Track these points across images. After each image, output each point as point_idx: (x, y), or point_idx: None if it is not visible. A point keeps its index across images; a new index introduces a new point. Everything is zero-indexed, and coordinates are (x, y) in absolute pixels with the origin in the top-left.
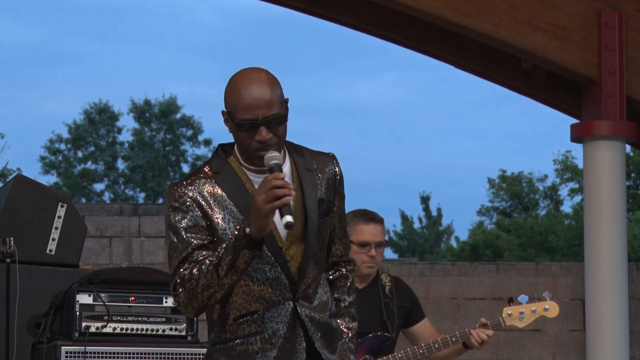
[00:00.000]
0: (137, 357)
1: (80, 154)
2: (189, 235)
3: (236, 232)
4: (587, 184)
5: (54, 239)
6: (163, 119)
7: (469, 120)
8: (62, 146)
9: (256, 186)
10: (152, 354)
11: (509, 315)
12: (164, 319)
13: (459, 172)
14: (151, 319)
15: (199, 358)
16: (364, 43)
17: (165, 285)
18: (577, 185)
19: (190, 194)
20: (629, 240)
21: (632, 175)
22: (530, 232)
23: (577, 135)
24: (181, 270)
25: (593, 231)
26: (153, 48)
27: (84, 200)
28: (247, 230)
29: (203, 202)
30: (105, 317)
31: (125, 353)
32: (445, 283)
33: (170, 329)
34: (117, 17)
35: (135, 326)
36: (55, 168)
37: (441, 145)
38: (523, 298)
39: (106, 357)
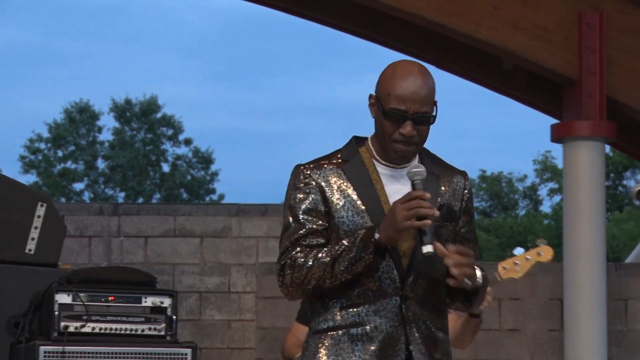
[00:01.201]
0: (116, 357)
1: (60, 154)
2: (305, 217)
3: (364, 234)
4: (567, 184)
5: (33, 239)
6: (143, 118)
7: (450, 120)
8: (42, 145)
9: (383, 179)
10: (131, 353)
11: (505, 269)
12: (143, 319)
13: None
14: (130, 319)
15: (178, 358)
16: (347, 43)
17: (144, 285)
18: (556, 186)
19: (315, 177)
20: (607, 240)
21: (612, 175)
22: (509, 231)
23: (557, 135)
24: (292, 252)
25: (572, 231)
26: (134, 48)
27: (63, 199)
28: (377, 236)
29: (326, 187)
30: (84, 317)
31: (104, 353)
32: None
33: (149, 329)
34: (98, 17)
35: (114, 326)
36: (35, 167)
37: None
38: (518, 250)
39: (85, 357)
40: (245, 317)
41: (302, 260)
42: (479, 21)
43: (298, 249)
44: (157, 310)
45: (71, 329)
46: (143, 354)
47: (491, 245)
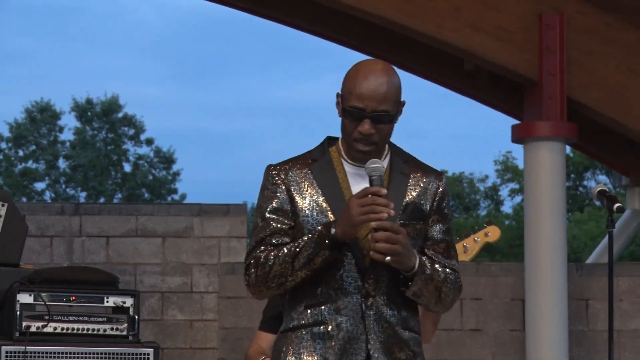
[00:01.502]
0: (78, 357)
1: (21, 153)
2: (271, 217)
3: (321, 229)
4: (528, 185)
5: None
6: (105, 118)
7: (410, 121)
8: (3, 145)
9: (350, 178)
10: (93, 353)
11: None
12: (105, 319)
13: None
14: (92, 319)
15: (140, 358)
16: (307, 43)
17: (106, 284)
18: (517, 186)
19: (283, 177)
20: (568, 240)
21: (572, 176)
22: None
23: (518, 136)
24: (257, 251)
25: (533, 231)
26: (95, 47)
27: (24, 199)
28: (333, 231)
29: (292, 187)
30: (46, 317)
31: (66, 353)
32: None
33: (112, 329)
34: (58, 16)
35: (76, 326)
36: None
37: None
38: (466, 234)
39: (47, 357)
40: (207, 317)
41: (264, 258)
42: (440, 22)
43: (262, 247)
44: (119, 310)
45: (33, 329)
46: (105, 354)
47: None
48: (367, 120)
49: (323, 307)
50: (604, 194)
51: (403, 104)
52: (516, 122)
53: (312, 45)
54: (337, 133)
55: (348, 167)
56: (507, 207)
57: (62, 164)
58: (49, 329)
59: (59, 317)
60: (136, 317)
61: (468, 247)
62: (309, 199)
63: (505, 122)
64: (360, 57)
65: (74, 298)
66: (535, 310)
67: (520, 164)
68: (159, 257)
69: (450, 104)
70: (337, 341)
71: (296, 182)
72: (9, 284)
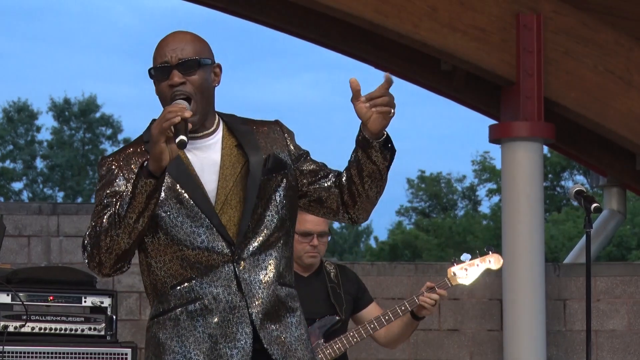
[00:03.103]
0: (56, 357)
1: None
2: (108, 199)
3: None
4: (505, 185)
5: None
6: (82, 117)
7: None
8: None
9: (188, 155)
10: (71, 353)
11: (454, 275)
12: (83, 319)
13: None
14: (70, 319)
15: (118, 358)
16: (281, 43)
17: (84, 284)
18: (495, 186)
19: (116, 162)
20: (546, 240)
21: (550, 176)
22: (448, 232)
23: (495, 136)
24: (90, 229)
25: (511, 232)
26: (72, 48)
27: (2, 199)
28: (145, 163)
29: (126, 170)
30: (24, 317)
31: (44, 353)
32: (365, 283)
33: (89, 329)
34: (34, 16)
35: (54, 326)
36: None
37: None
38: (466, 256)
39: (25, 357)
40: None
41: (95, 228)
42: (416, 22)
43: (94, 222)
44: (97, 310)
45: (10, 329)
46: (83, 353)
47: (430, 246)
48: (174, 71)
49: (193, 282)
50: (582, 194)
51: (218, 66)
52: (493, 122)
53: (287, 45)
54: (317, 132)
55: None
56: (484, 207)
57: (39, 163)
58: (26, 329)
59: (37, 317)
60: (114, 317)
61: (469, 272)
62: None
63: (482, 122)
64: (335, 56)
65: (51, 298)
66: (513, 310)
67: (498, 164)
68: (136, 257)
69: (428, 104)
70: (219, 314)
71: (131, 164)
72: None
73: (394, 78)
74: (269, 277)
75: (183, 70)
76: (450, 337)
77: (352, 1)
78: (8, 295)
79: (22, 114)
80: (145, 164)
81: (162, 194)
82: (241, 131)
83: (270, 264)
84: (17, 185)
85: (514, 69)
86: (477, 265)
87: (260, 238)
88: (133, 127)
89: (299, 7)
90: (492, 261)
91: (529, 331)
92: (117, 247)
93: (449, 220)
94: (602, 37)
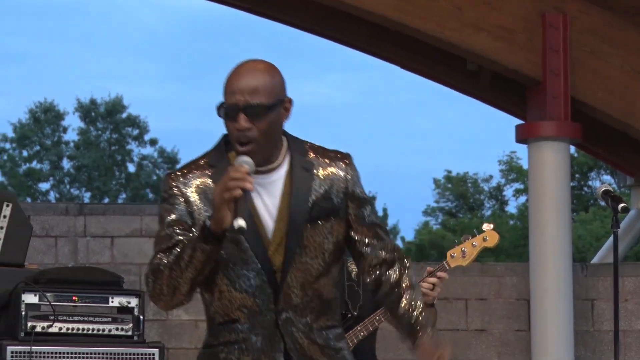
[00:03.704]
0: (83, 357)
1: (25, 153)
2: (171, 230)
3: (199, 224)
4: (532, 185)
5: None
6: (109, 118)
7: (412, 121)
8: (7, 145)
9: None
10: (98, 353)
11: (452, 257)
12: (110, 319)
13: (404, 173)
14: (97, 319)
15: (145, 358)
16: (308, 43)
17: (111, 285)
18: (522, 186)
19: (181, 187)
20: (573, 240)
21: (577, 176)
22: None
23: (522, 136)
24: (154, 260)
25: (538, 232)
26: (98, 48)
27: (29, 199)
28: (208, 223)
29: (191, 198)
30: (51, 317)
31: (71, 353)
32: None
33: (117, 329)
34: (60, 17)
35: (81, 326)
36: (0, 167)
37: (385, 147)
38: (465, 237)
39: (52, 357)
40: None
41: (158, 264)
42: (442, 22)
43: (159, 255)
44: (124, 310)
45: (38, 329)
46: (110, 354)
47: None
48: (240, 114)
49: (237, 324)
50: (609, 194)
51: (289, 101)
52: (520, 122)
53: (313, 45)
54: (343, 133)
55: None
56: (511, 207)
57: (66, 164)
58: (54, 329)
59: (64, 317)
60: (141, 317)
61: (466, 252)
62: (210, 211)
63: (508, 122)
64: (360, 57)
65: (74, 298)
66: (540, 310)
67: (525, 164)
68: None
69: (454, 104)
70: (252, 358)
71: (195, 192)
72: (14, 284)
73: (420, 78)
74: (308, 325)
75: (250, 116)
76: (477, 338)
77: (378, 1)
78: (36, 295)
79: (49, 115)
80: (206, 223)
81: None
82: (300, 168)
83: (311, 310)
84: (44, 186)
85: (540, 69)
86: (473, 244)
87: (306, 290)
88: (159, 128)
89: (324, 7)
90: (488, 238)
91: (557, 331)
92: (179, 294)
93: (476, 221)
94: (628, 36)
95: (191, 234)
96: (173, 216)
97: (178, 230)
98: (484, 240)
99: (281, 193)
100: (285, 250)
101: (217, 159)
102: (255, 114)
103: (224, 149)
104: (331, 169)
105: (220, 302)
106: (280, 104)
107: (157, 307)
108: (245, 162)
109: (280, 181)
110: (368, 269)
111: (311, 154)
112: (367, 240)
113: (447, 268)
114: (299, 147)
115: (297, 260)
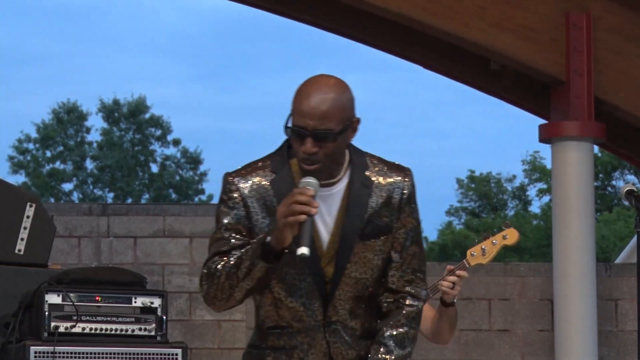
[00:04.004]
0: (107, 357)
1: (48, 154)
2: (228, 233)
3: (257, 239)
4: (556, 185)
5: (22, 239)
6: (132, 118)
7: (435, 121)
8: (31, 146)
9: None
10: (121, 354)
11: (472, 255)
12: (133, 319)
13: (427, 173)
14: (120, 319)
15: (169, 358)
16: (330, 43)
17: (134, 285)
18: (545, 186)
19: (241, 190)
20: (597, 240)
21: (600, 176)
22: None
23: (545, 135)
24: (210, 263)
25: (561, 231)
26: (121, 49)
27: (52, 200)
28: (268, 239)
29: (250, 203)
30: (75, 317)
31: (95, 353)
32: None
33: (140, 329)
34: (82, 18)
35: (104, 326)
36: (23, 168)
37: (407, 146)
38: (485, 236)
39: (75, 357)
40: (235, 318)
41: (214, 269)
42: (466, 21)
43: (216, 258)
44: (147, 310)
45: (61, 329)
46: (133, 354)
47: None
48: (308, 139)
49: (285, 330)
50: (633, 193)
51: (357, 121)
52: (543, 121)
53: (334, 45)
54: (366, 132)
55: None
56: (535, 207)
57: (89, 164)
58: (77, 329)
59: (87, 318)
60: (164, 317)
61: (486, 250)
62: (269, 218)
63: (532, 122)
64: (383, 56)
65: (97, 298)
66: (564, 310)
67: (548, 164)
68: (186, 257)
69: (477, 104)
70: None
71: (254, 197)
72: (37, 285)
73: (443, 78)
74: (355, 334)
75: (318, 140)
76: (501, 338)
77: (401, 1)
78: (59, 295)
79: (72, 115)
80: (267, 239)
81: None
82: (359, 184)
83: (357, 319)
84: (67, 186)
85: (564, 69)
86: (493, 243)
87: (354, 303)
88: (182, 128)
89: (346, 6)
90: (508, 236)
91: (581, 331)
92: (233, 300)
93: (499, 221)
94: None
95: (248, 239)
96: (230, 219)
97: (235, 235)
98: (504, 238)
99: (339, 207)
100: (335, 263)
101: (279, 165)
102: (323, 139)
103: (287, 154)
104: (389, 187)
105: (271, 307)
106: (349, 125)
107: (209, 306)
108: (311, 184)
109: (340, 194)
110: (383, 291)
111: (371, 166)
112: (395, 261)
113: (467, 266)
114: (360, 160)
115: (346, 274)
